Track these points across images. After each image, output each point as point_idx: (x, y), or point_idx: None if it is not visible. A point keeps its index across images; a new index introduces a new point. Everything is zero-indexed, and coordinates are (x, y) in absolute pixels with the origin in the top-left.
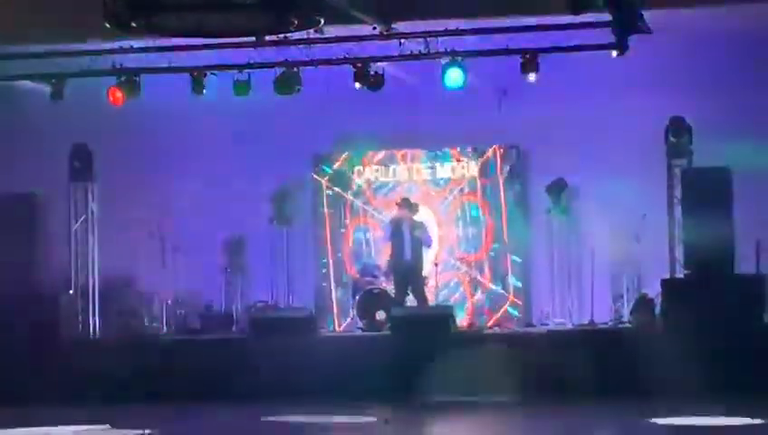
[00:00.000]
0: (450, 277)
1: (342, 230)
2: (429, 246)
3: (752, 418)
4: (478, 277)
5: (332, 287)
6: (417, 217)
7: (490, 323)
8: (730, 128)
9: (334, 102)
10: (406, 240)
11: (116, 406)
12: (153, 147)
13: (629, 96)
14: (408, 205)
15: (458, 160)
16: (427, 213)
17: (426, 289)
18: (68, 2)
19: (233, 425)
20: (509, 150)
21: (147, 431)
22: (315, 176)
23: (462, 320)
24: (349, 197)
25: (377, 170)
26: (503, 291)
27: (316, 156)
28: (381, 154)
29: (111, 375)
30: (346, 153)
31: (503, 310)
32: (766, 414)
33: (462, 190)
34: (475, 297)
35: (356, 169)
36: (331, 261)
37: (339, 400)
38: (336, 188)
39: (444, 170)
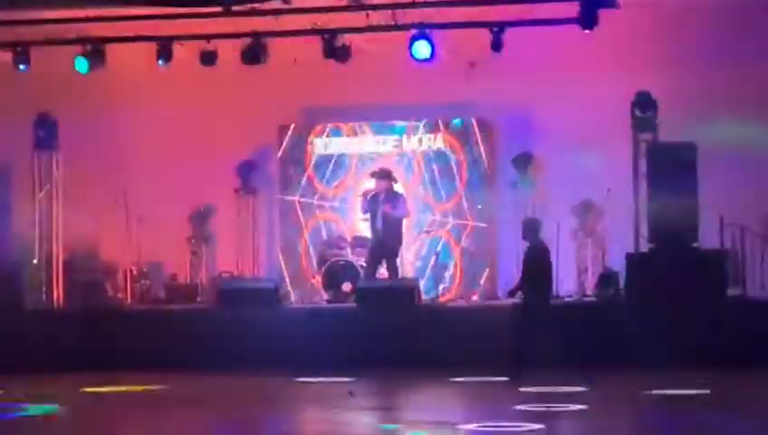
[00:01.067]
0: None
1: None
2: (403, 217)
3: (708, 389)
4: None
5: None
6: (396, 188)
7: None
8: (696, 103)
9: (301, 74)
10: (378, 212)
11: (79, 375)
12: (118, 116)
13: (596, 70)
14: (384, 175)
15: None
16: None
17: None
18: None
19: (201, 391)
20: (476, 123)
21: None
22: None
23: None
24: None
25: (343, 143)
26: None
27: (282, 127)
28: (347, 126)
29: (75, 345)
30: (312, 125)
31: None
32: (725, 385)
33: (430, 162)
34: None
35: (318, 141)
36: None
37: (304, 370)
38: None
39: (411, 143)
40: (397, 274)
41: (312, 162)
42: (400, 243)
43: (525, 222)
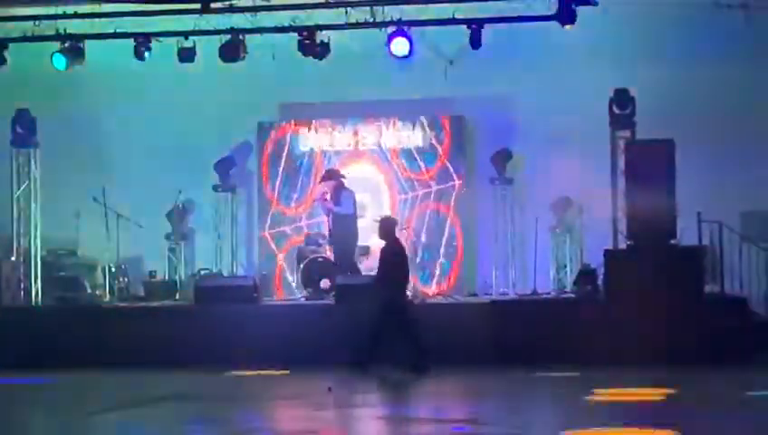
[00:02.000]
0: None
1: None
2: (348, 214)
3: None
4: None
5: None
6: (346, 185)
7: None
8: (674, 100)
9: (279, 71)
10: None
11: (56, 373)
12: (97, 113)
13: (574, 67)
14: (329, 176)
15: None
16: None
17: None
18: None
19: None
20: (454, 120)
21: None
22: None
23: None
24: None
25: (320, 140)
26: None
27: (261, 124)
28: (324, 123)
29: (53, 342)
30: (291, 122)
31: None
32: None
33: (408, 160)
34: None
35: (300, 137)
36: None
37: (282, 367)
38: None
39: (388, 139)
40: (355, 270)
41: (290, 161)
42: (355, 239)
43: (381, 221)
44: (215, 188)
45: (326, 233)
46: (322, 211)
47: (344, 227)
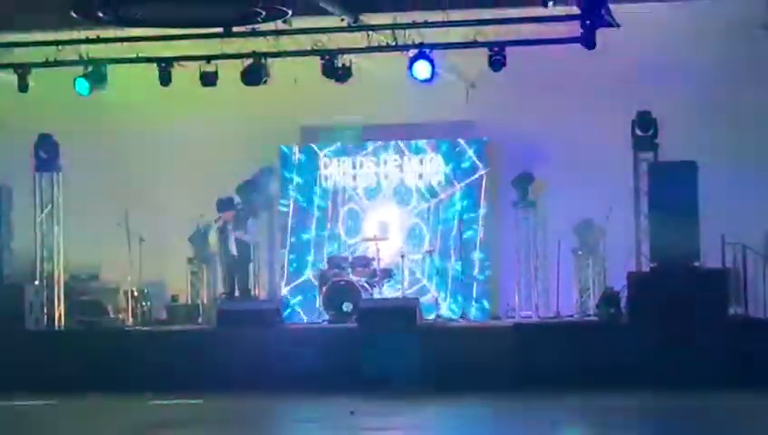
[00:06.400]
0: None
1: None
2: (252, 241)
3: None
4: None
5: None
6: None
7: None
8: (696, 122)
9: (301, 94)
10: (230, 238)
11: (81, 396)
12: (120, 137)
13: (597, 90)
14: (225, 206)
15: (427, 152)
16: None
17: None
18: None
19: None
20: (477, 143)
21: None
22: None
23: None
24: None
25: (344, 163)
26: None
27: (283, 148)
28: (350, 146)
29: (76, 366)
30: (313, 145)
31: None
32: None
33: (430, 182)
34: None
35: (322, 161)
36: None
37: (306, 390)
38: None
39: (412, 164)
40: (249, 293)
41: (314, 183)
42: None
43: None
44: (238, 210)
45: (348, 255)
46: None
47: (246, 253)
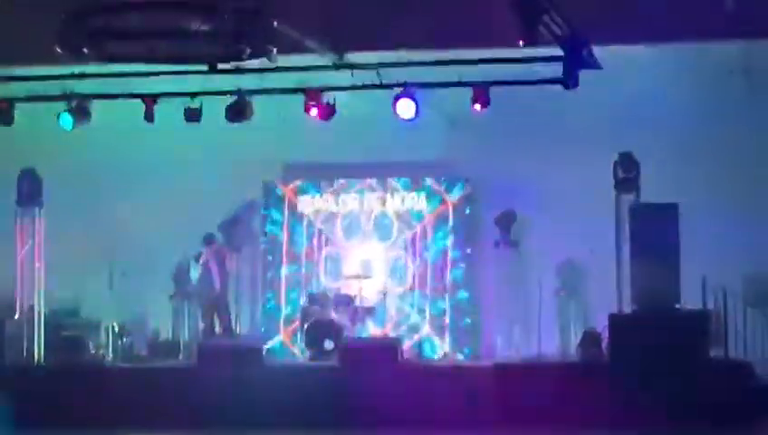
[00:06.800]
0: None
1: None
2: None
3: None
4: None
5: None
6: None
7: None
8: (678, 164)
9: (286, 131)
10: (214, 273)
11: (59, 432)
12: (103, 173)
13: (579, 130)
14: (210, 241)
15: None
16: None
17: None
18: (19, 26)
19: None
20: (459, 182)
21: None
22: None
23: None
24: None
25: (326, 200)
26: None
27: (267, 184)
28: (330, 183)
29: (55, 402)
30: (295, 182)
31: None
32: None
33: (412, 221)
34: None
35: (304, 198)
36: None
37: (286, 429)
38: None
39: (394, 201)
40: (231, 328)
41: (296, 220)
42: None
43: None
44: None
45: (329, 293)
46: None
47: (226, 287)
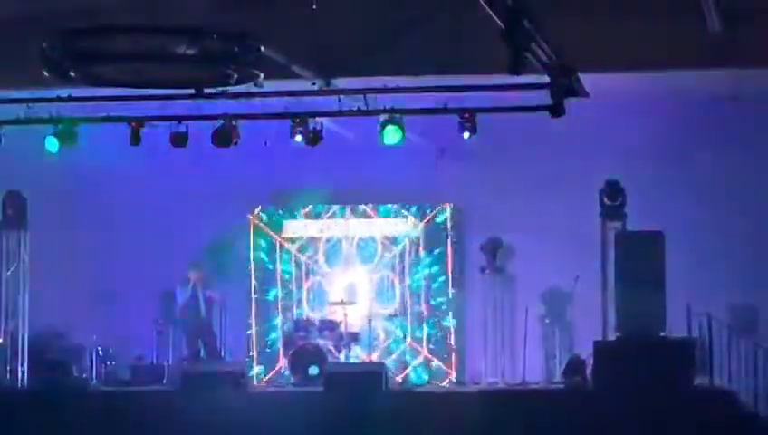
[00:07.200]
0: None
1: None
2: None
3: None
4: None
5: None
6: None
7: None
8: (664, 192)
9: (272, 157)
10: (199, 298)
11: None
12: (88, 196)
13: (566, 157)
14: (195, 266)
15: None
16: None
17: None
18: (5, 49)
19: None
20: (445, 209)
21: None
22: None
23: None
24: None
25: (312, 226)
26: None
27: (253, 209)
28: (316, 209)
29: (38, 425)
30: (281, 207)
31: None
32: None
33: (397, 248)
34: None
35: (290, 223)
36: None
37: None
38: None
39: (379, 226)
40: (218, 353)
41: (282, 246)
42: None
43: None
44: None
45: (314, 319)
46: (186, 297)
47: (213, 314)
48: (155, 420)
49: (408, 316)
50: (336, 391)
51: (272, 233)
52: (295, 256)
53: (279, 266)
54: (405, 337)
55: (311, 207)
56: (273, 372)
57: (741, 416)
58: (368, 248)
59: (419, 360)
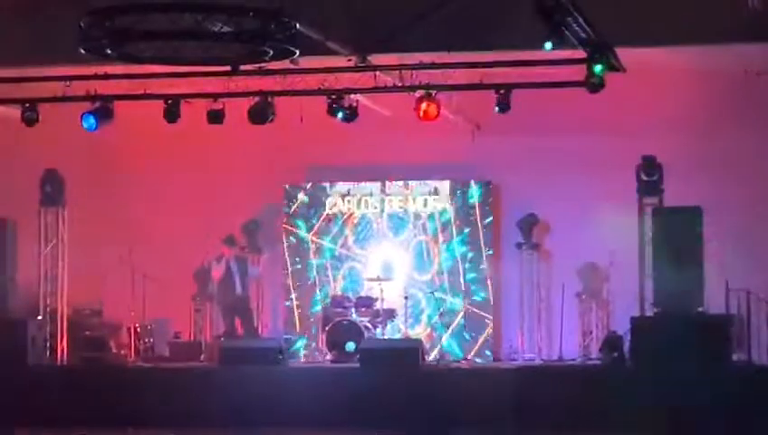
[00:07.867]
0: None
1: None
2: (255, 276)
3: None
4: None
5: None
6: (241, 253)
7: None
8: (701, 167)
9: (308, 133)
10: (235, 274)
11: (82, 432)
12: (125, 173)
13: (602, 133)
14: (232, 242)
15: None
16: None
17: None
18: (42, 26)
19: None
20: (481, 184)
21: None
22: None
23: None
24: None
25: (348, 201)
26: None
27: (288, 186)
28: (353, 185)
29: (78, 402)
30: (318, 184)
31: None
32: None
33: (433, 224)
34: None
35: (326, 200)
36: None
37: (307, 430)
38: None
39: (416, 204)
40: (254, 329)
41: (318, 222)
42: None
43: None
44: (242, 249)
45: (351, 295)
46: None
47: (248, 289)
48: (193, 397)
49: (444, 292)
50: (372, 367)
51: (307, 209)
52: (331, 232)
53: (315, 243)
54: (441, 313)
55: (347, 183)
56: (311, 348)
57: None
58: (403, 225)
59: (455, 336)
